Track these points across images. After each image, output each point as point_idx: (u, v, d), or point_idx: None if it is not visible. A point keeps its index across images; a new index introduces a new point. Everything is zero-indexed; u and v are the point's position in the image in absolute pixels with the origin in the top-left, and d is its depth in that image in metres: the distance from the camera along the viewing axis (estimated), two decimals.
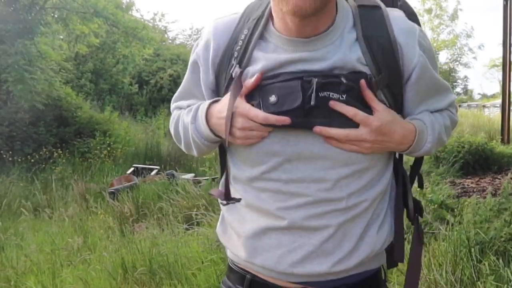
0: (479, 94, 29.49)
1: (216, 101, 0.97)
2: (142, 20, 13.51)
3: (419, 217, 1.07)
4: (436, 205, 3.64)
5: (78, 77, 13.35)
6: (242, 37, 0.94)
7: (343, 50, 0.89)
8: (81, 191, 6.11)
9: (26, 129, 8.71)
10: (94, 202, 5.57)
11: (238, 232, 1.01)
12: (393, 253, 1.01)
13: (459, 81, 27.51)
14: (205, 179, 5.64)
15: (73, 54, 13.05)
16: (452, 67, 25.16)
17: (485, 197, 3.97)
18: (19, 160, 7.84)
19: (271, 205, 0.94)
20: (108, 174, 7.51)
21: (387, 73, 0.90)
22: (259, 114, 0.88)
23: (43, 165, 7.88)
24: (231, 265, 1.09)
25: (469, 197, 4.27)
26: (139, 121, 13.39)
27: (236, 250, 1.03)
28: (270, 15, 0.94)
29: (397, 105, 0.95)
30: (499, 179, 5.34)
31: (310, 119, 0.87)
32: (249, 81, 0.91)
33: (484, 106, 18.47)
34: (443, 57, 25.29)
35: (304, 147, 0.90)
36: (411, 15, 1.00)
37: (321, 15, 0.87)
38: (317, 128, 0.87)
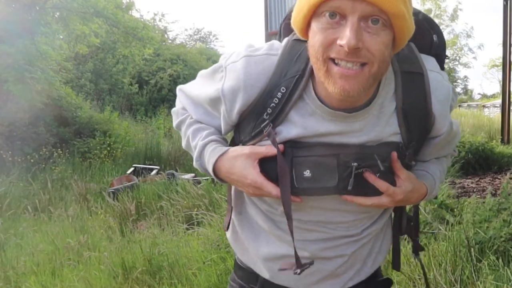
0: (479, 94, 29.50)
1: (224, 153, 0.94)
2: (142, 20, 13.49)
3: (418, 231, 1.13)
4: (436, 205, 3.64)
5: (78, 77, 13.35)
6: (279, 95, 0.87)
7: (380, 125, 0.89)
8: (81, 191, 6.11)
9: (26, 129, 8.70)
10: (94, 202, 5.57)
11: (251, 248, 1.04)
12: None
13: (459, 81, 27.49)
14: (205, 179, 5.64)
15: (73, 54, 13.05)
16: (452, 67, 25.16)
17: (485, 197, 3.97)
18: (19, 160, 7.83)
19: (286, 235, 0.96)
20: (108, 174, 7.51)
21: (417, 141, 0.92)
22: (273, 192, 0.87)
23: (43, 165, 7.87)
24: (240, 264, 1.11)
25: (469, 197, 4.27)
26: (139, 121, 13.39)
27: (249, 263, 1.07)
28: (312, 74, 0.87)
29: (416, 154, 0.98)
30: (499, 179, 5.35)
31: (341, 191, 0.90)
32: (269, 149, 0.87)
33: (484, 106, 18.47)
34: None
35: (327, 202, 0.93)
36: (442, 51, 0.99)
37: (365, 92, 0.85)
38: (344, 197, 0.90)
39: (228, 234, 1.11)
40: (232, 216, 1.07)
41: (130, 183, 6.14)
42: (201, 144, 0.98)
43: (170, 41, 20.87)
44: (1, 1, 9.15)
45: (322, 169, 0.86)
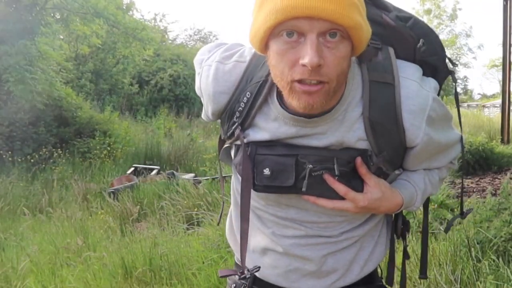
0: (479, 94, 29.50)
1: None
2: (143, 21, 13.50)
3: (406, 234, 1.11)
4: (436, 205, 3.64)
5: (78, 77, 13.36)
6: (245, 100, 0.92)
7: (343, 130, 0.88)
8: (81, 191, 6.11)
9: (26, 129, 8.70)
10: (94, 202, 5.57)
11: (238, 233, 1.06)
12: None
13: (459, 81, 27.46)
14: (206, 179, 5.64)
15: (73, 54, 13.06)
16: (451, 67, 25.13)
17: (485, 197, 3.97)
18: (19, 160, 7.84)
19: (269, 229, 1.00)
20: (108, 174, 7.51)
21: (388, 152, 0.90)
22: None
23: (43, 165, 7.87)
24: (237, 261, 1.14)
25: (469, 197, 4.27)
26: (139, 121, 13.39)
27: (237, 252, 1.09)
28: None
29: (395, 166, 0.97)
30: (499, 179, 5.35)
31: (301, 191, 0.90)
32: None
33: (484, 106, 18.47)
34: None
35: (297, 201, 0.95)
36: (434, 55, 0.95)
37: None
38: (306, 197, 0.91)
39: (226, 227, 1.15)
40: (230, 209, 1.11)
41: (130, 183, 6.14)
42: None
43: (170, 41, 20.89)
44: (2, 1, 9.16)
45: (281, 168, 0.88)
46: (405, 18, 0.94)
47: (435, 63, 0.96)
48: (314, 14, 0.73)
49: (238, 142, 0.95)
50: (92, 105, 11.81)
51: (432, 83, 0.92)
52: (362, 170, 0.89)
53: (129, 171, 7.38)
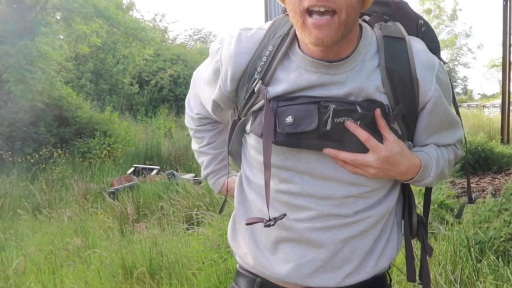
0: (479, 94, 29.47)
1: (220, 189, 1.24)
2: (143, 21, 13.51)
3: (425, 234, 1.10)
4: (436, 205, 3.64)
5: (78, 77, 13.36)
6: (267, 53, 0.94)
7: (362, 78, 0.91)
8: (81, 191, 6.11)
9: (26, 129, 8.70)
10: (94, 202, 5.57)
11: (248, 240, 1.04)
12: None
13: (459, 81, 27.51)
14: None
15: (73, 54, 13.07)
16: (451, 67, 25.16)
17: (485, 197, 3.97)
18: (19, 160, 7.84)
19: (277, 212, 0.96)
20: (108, 174, 7.51)
21: (404, 105, 0.92)
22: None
23: (43, 165, 7.87)
24: (239, 270, 1.10)
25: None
26: (139, 121, 13.40)
27: (246, 258, 1.05)
28: (295, 34, 0.93)
29: (409, 133, 0.98)
30: (499, 179, 5.35)
31: (323, 142, 0.90)
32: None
33: (484, 106, 18.46)
34: (442, 57, 25.26)
35: (315, 167, 0.94)
36: (432, 42, 1.01)
37: (343, 43, 0.89)
38: (327, 150, 0.91)
39: (228, 231, 1.11)
40: (235, 206, 1.08)
41: (130, 183, 6.14)
42: (203, 174, 1.25)
43: (170, 41, 20.90)
44: (2, 1, 9.16)
45: (304, 114, 0.89)
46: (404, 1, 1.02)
47: (433, 50, 1.00)
48: None
49: (256, 107, 0.95)
50: (92, 105, 11.81)
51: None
52: (382, 123, 0.90)
53: (129, 171, 7.38)
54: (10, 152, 7.98)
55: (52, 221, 4.81)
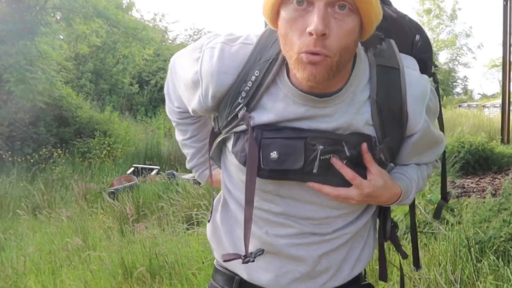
0: (479, 94, 29.41)
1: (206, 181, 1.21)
2: (142, 21, 13.51)
3: (397, 235, 1.12)
4: (435, 205, 3.63)
5: (78, 77, 13.36)
6: (253, 78, 0.89)
7: (351, 112, 0.89)
8: (81, 191, 6.11)
9: (26, 129, 8.71)
10: (94, 202, 5.57)
11: (227, 242, 1.03)
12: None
13: (459, 81, 27.44)
14: None
15: (73, 54, 13.07)
16: (451, 67, 25.15)
17: (485, 197, 3.97)
18: (19, 160, 7.84)
19: (261, 229, 0.97)
20: (108, 174, 7.51)
21: (391, 138, 0.91)
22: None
23: (43, 165, 7.88)
24: (217, 267, 1.10)
25: (469, 197, 4.27)
26: (139, 121, 13.40)
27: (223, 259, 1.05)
28: (285, 59, 0.88)
29: (393, 157, 0.98)
30: (499, 179, 5.35)
31: (308, 177, 0.89)
32: None
33: (484, 106, 18.45)
34: (442, 57, 25.29)
35: (297, 192, 0.93)
36: (425, 53, 1.00)
37: (335, 78, 0.85)
38: (310, 184, 0.90)
39: (208, 227, 1.10)
40: (216, 209, 1.07)
41: (130, 183, 6.14)
42: (189, 166, 1.23)
43: (170, 41, 20.88)
44: (2, 1, 9.16)
45: (289, 151, 0.87)
46: (401, 15, 0.99)
47: (426, 61, 1.00)
48: None
49: (239, 129, 0.92)
50: (92, 105, 11.82)
51: (426, 77, 0.96)
52: (367, 156, 0.89)
53: (129, 171, 7.38)
54: (10, 152, 7.98)
55: (52, 221, 4.81)
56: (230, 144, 0.96)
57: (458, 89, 28.33)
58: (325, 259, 0.98)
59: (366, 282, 1.10)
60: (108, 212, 4.97)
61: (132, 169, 7.47)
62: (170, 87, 1.13)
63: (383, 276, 1.12)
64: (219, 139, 0.99)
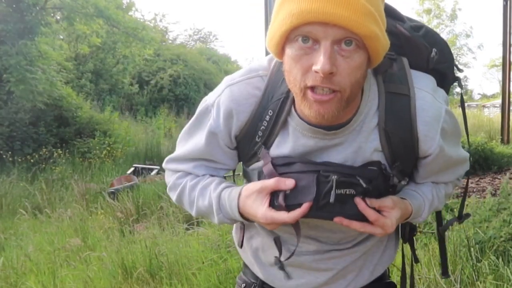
0: (479, 94, 29.43)
1: (240, 194, 0.93)
2: (143, 21, 13.50)
3: (413, 239, 1.13)
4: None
5: (78, 77, 13.36)
6: (267, 118, 0.90)
7: (360, 140, 0.88)
8: (81, 191, 6.10)
9: (26, 129, 8.71)
10: (94, 202, 5.57)
11: (251, 255, 1.08)
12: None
13: None
14: None
15: (73, 54, 13.06)
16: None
17: (485, 197, 3.97)
18: (19, 160, 7.84)
19: (285, 244, 0.99)
20: (108, 174, 7.51)
21: (401, 162, 0.90)
22: (286, 219, 0.85)
23: (43, 165, 7.88)
24: (245, 275, 1.15)
25: (468, 197, 4.27)
26: (139, 121, 13.39)
27: (249, 263, 1.11)
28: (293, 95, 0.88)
29: (406, 174, 0.96)
30: (499, 179, 5.34)
31: (323, 213, 0.85)
32: (277, 182, 0.85)
33: (484, 106, 18.46)
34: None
35: (317, 220, 0.92)
36: (444, 63, 0.97)
37: (344, 110, 0.84)
38: (339, 219, 0.85)
39: (234, 234, 1.15)
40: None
41: (130, 183, 6.14)
42: (215, 196, 0.97)
43: (170, 41, 20.88)
44: (2, 1, 9.16)
45: (301, 185, 0.85)
46: (417, 27, 0.95)
47: (445, 71, 0.97)
48: (329, 20, 0.72)
49: (258, 165, 0.93)
50: (92, 105, 11.81)
51: (443, 95, 0.93)
52: (378, 202, 0.86)
53: (129, 171, 7.38)
54: (10, 152, 7.98)
55: (52, 221, 4.81)
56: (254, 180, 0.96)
57: (458, 89, 28.28)
58: (345, 269, 1.01)
59: (388, 281, 1.11)
60: (108, 212, 4.97)
61: (132, 169, 7.47)
62: (191, 165, 1.09)
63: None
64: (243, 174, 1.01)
